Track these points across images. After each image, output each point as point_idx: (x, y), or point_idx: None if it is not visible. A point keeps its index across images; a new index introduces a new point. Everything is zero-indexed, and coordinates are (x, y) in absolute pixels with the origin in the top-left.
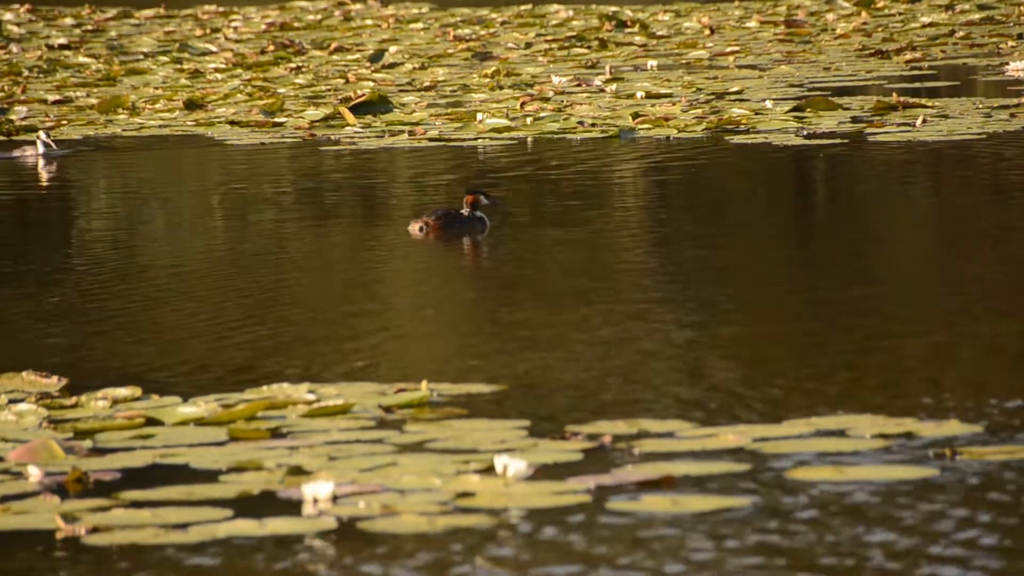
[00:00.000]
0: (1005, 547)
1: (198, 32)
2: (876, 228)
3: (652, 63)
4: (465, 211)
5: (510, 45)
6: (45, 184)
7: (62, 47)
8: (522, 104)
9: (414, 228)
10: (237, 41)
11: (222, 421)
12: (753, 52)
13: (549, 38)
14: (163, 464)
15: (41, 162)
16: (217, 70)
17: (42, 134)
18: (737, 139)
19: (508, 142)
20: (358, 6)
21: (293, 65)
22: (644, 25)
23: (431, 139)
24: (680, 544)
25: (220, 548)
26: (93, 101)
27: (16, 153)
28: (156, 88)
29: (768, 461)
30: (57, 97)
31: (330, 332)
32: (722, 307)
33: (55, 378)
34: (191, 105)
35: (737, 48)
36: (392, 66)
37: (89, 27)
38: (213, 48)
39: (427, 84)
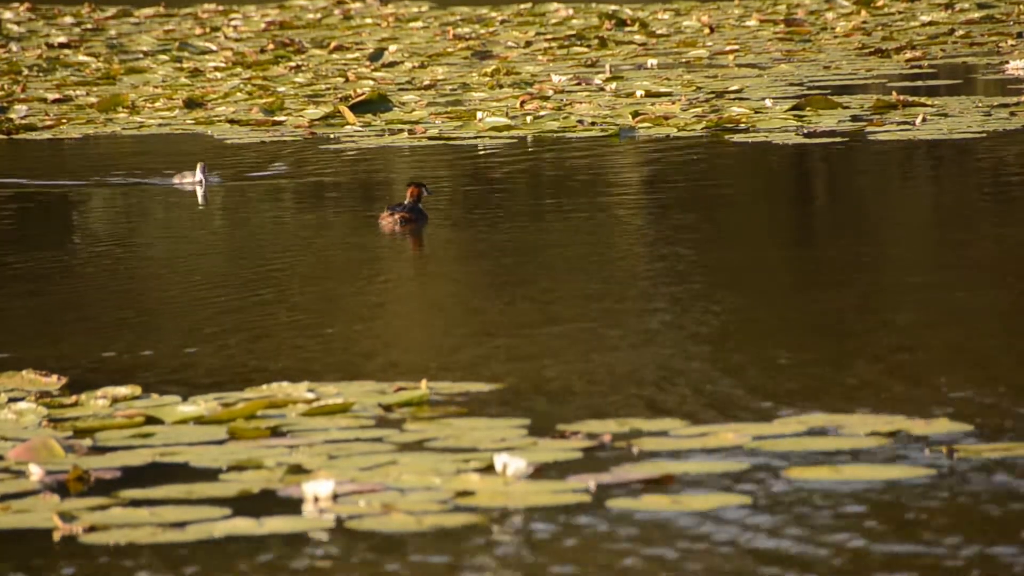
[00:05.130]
0: (1007, 545)
1: (198, 31)
2: (874, 227)
3: (652, 62)
4: (408, 202)
5: (510, 44)
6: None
7: (62, 46)
8: (522, 103)
9: (389, 222)
10: (237, 40)
11: (222, 420)
12: (753, 51)
13: (549, 37)
14: (162, 463)
15: (200, 190)
16: (217, 69)
17: (199, 165)
18: (737, 138)
19: (508, 141)
20: (358, 5)
21: (293, 64)
22: (644, 24)
23: (431, 138)
24: (680, 543)
25: (219, 547)
26: (93, 100)
27: (176, 180)
28: (156, 87)
29: (766, 460)
30: (57, 96)
31: (330, 331)
32: (720, 305)
33: (55, 377)
34: (191, 104)
35: (737, 47)
36: (392, 65)
37: (89, 26)
38: (213, 47)
39: (427, 83)
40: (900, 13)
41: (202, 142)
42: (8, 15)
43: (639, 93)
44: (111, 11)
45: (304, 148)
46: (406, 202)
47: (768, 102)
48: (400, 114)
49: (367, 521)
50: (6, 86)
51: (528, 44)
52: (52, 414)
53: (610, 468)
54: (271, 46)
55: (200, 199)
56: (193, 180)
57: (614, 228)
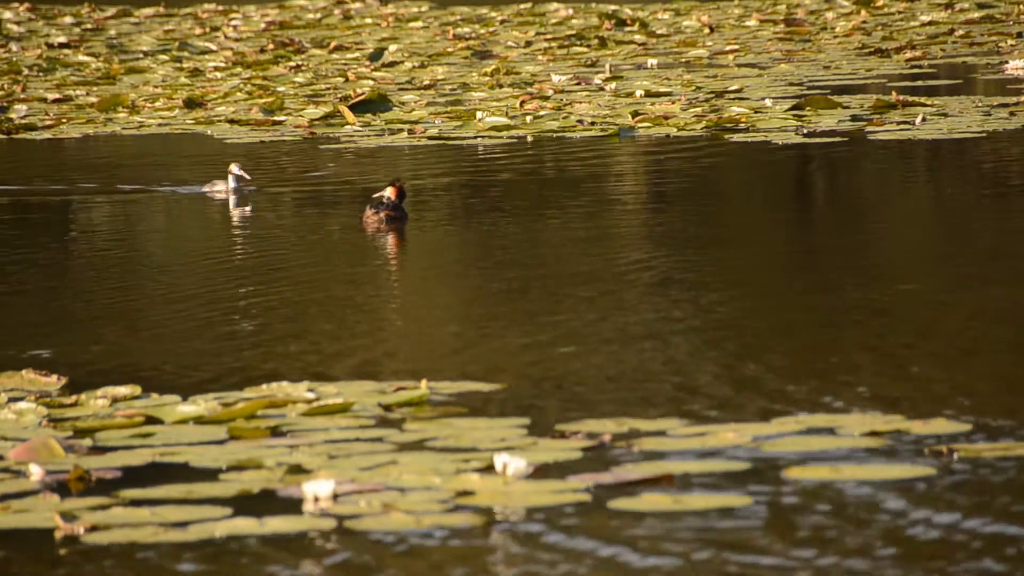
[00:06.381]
0: (1008, 545)
1: (198, 31)
2: (874, 226)
3: (652, 61)
4: (390, 200)
5: (510, 43)
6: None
7: (62, 46)
8: (522, 103)
9: (375, 220)
10: (237, 40)
11: (222, 420)
12: (753, 51)
13: (549, 36)
14: (163, 463)
15: (232, 199)
16: (217, 69)
17: (234, 167)
18: (736, 138)
19: (507, 140)
20: (358, 5)
21: (293, 64)
22: (644, 23)
23: (430, 137)
24: (680, 543)
25: (220, 547)
26: (93, 100)
27: (206, 188)
28: (156, 87)
29: (765, 460)
30: (57, 96)
31: (329, 330)
32: (719, 304)
33: (55, 376)
34: (191, 104)
35: (737, 47)
36: (392, 65)
37: (89, 26)
38: (213, 47)
39: (427, 83)
40: (900, 13)
41: (203, 142)
42: (8, 15)
43: (639, 93)
44: (111, 11)
45: (305, 148)
46: (385, 200)
47: (768, 102)
48: (400, 114)
49: (367, 521)
50: (6, 86)
51: (528, 44)
52: (52, 414)
53: (610, 468)
54: (271, 46)
55: (232, 205)
56: (225, 188)
57: (613, 228)
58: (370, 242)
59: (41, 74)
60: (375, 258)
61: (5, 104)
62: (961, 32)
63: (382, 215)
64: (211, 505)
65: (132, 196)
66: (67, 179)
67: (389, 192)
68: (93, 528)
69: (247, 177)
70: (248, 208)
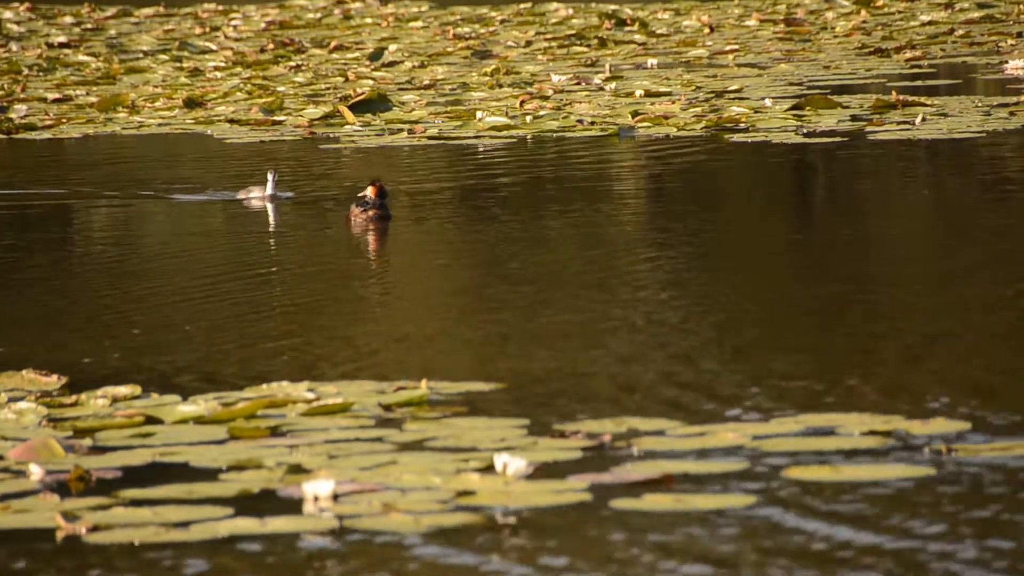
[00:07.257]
0: (1007, 545)
1: (198, 30)
2: (873, 226)
3: (652, 61)
4: (374, 199)
5: (509, 43)
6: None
7: (62, 45)
8: (521, 102)
9: (363, 219)
10: (237, 39)
11: (222, 419)
12: (752, 50)
13: (549, 36)
14: (163, 462)
15: (269, 206)
16: (217, 68)
17: (270, 174)
18: (736, 137)
19: (507, 140)
20: (358, 4)
21: (293, 63)
22: (644, 23)
23: (430, 137)
24: (682, 543)
25: (221, 547)
26: (93, 99)
27: (240, 195)
28: (156, 86)
29: (765, 460)
30: (57, 95)
31: (330, 330)
32: (719, 305)
33: (55, 376)
34: (191, 103)
35: (736, 46)
36: (391, 64)
37: (89, 25)
38: (213, 46)
39: (426, 82)
40: (900, 13)
41: (203, 142)
42: (8, 15)
43: (639, 93)
44: (111, 11)
45: (304, 148)
46: (368, 199)
47: (768, 102)
48: (400, 114)
49: (367, 521)
50: (6, 86)
51: (528, 44)
52: (52, 414)
53: (610, 468)
54: (271, 46)
55: (271, 212)
56: (262, 195)
57: (612, 227)
58: (363, 242)
59: (41, 74)
60: (372, 258)
61: (5, 104)
62: (961, 32)
63: (370, 213)
64: (212, 505)
65: (153, 201)
66: (77, 182)
67: (370, 191)
68: (94, 528)
69: (272, 187)
70: (271, 213)
